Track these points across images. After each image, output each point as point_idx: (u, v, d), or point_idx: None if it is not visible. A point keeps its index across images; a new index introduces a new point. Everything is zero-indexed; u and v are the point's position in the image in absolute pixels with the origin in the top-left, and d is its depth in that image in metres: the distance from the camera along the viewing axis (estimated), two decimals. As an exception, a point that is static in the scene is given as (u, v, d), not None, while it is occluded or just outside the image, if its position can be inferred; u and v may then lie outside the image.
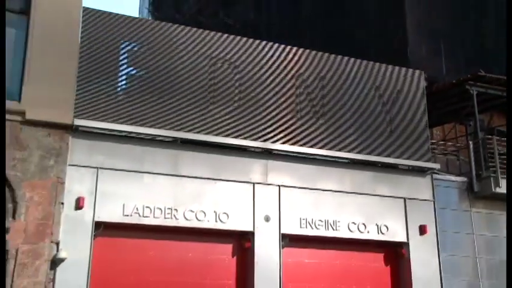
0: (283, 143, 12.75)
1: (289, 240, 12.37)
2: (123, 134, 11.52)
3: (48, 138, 10.86)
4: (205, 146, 12.11)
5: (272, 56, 13.54)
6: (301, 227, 12.56)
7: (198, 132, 12.08)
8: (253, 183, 12.39)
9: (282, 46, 13.72)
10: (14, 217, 10.24)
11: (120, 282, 11.15)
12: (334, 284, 12.76)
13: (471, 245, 14.17)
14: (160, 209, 11.51)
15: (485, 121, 18.41)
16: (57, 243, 10.49)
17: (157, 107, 11.97)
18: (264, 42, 13.56)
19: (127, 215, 11.23)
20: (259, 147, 12.56)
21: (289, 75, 13.50)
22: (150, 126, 11.73)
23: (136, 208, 11.34)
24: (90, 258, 10.67)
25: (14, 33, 11.18)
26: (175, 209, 11.62)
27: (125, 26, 12.36)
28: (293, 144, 12.82)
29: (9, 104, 10.52)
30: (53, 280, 10.32)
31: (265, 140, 12.61)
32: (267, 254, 12.06)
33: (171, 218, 11.57)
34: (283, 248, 12.23)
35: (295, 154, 12.81)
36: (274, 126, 12.84)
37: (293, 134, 12.93)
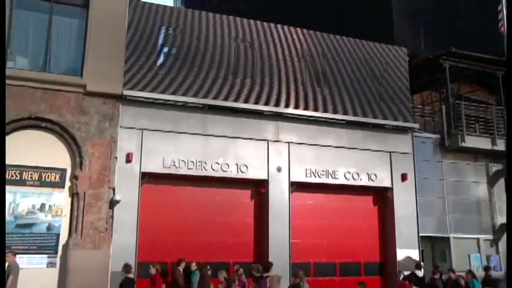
0: (292, 107, 13.09)
1: (296, 187, 12.88)
2: (162, 101, 11.97)
3: (104, 106, 11.50)
4: (228, 111, 12.53)
5: (282, 36, 13.85)
6: (306, 176, 13.03)
7: (222, 99, 12.48)
8: (267, 141, 12.80)
9: (291, 28, 14.07)
10: (80, 168, 11.09)
11: (161, 219, 11.81)
12: (333, 220, 13.31)
13: (441, 188, 14.73)
14: (192, 161, 12.06)
15: (455, 89, 18.59)
16: (113, 189, 11.19)
17: (189, 79, 12.38)
18: (273, 25, 13.88)
19: (166, 167, 11.81)
20: (272, 111, 12.88)
21: (296, 52, 13.80)
22: (184, 95, 12.16)
23: (173, 161, 11.89)
24: (138, 200, 11.36)
25: (77, 23, 11.77)
26: (205, 162, 12.15)
27: (162, 13, 12.78)
28: (300, 108, 13.15)
29: (74, 79, 11.34)
30: (112, 217, 11.09)
31: (277, 105, 12.95)
32: (278, 197, 12.61)
33: (201, 169, 12.11)
34: (291, 192, 12.75)
35: (301, 116, 13.14)
36: (284, 94, 13.18)
37: (300, 100, 13.26)
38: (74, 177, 11.00)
